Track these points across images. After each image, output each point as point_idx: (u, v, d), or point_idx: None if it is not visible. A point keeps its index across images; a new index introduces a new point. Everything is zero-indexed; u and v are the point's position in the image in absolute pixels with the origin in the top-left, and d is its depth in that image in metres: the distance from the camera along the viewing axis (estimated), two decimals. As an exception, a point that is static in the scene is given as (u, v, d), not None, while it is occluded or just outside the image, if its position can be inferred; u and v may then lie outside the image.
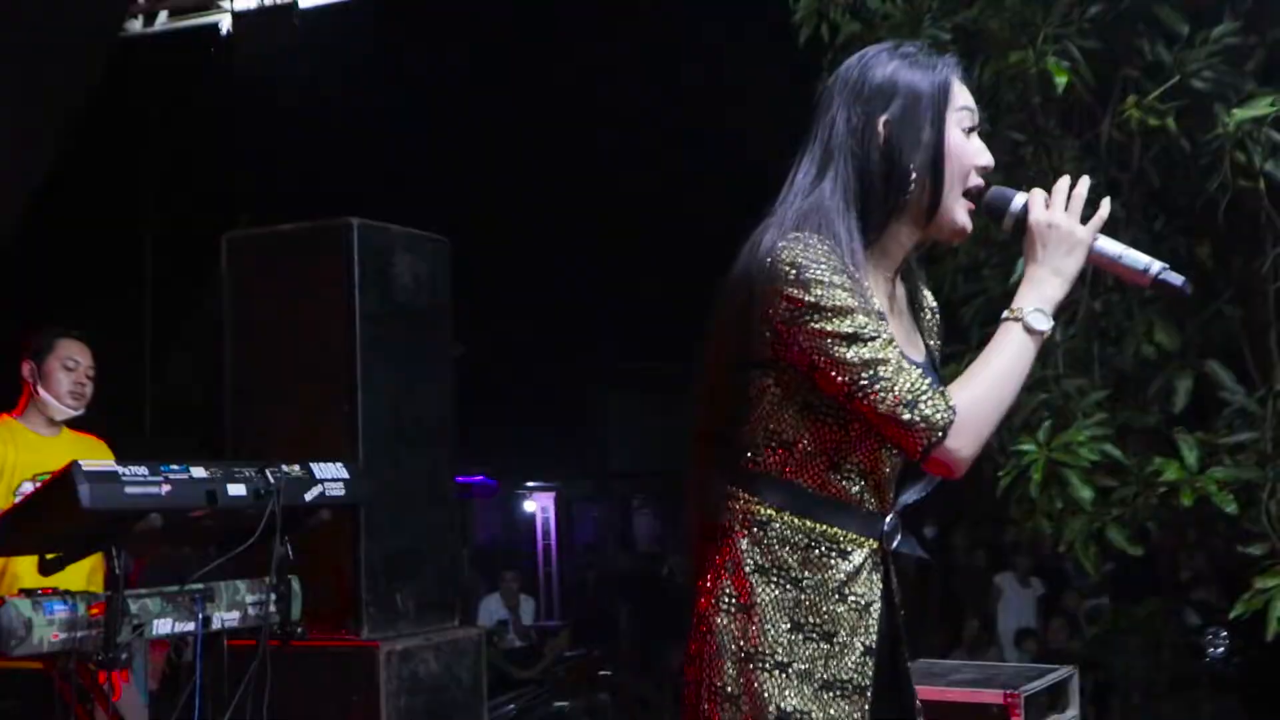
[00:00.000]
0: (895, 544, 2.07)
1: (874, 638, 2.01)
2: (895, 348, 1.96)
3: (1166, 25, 4.50)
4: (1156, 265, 2.04)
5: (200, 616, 3.41)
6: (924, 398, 1.92)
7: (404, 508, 4.28)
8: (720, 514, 2.03)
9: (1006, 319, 2.01)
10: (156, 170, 8.67)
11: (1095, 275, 4.92)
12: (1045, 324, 2.00)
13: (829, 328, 1.94)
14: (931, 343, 2.22)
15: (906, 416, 1.92)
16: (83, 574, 3.99)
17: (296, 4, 6.01)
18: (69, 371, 4.30)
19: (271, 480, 3.45)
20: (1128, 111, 4.44)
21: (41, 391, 4.27)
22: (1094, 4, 4.57)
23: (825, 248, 1.98)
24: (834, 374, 1.94)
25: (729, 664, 1.98)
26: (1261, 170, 4.16)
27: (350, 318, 4.18)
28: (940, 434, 1.92)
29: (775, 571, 1.99)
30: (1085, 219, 2.05)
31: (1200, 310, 5.08)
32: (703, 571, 2.05)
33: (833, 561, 2.00)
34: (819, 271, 1.95)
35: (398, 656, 4.07)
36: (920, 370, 1.96)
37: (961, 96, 2.10)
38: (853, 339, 1.94)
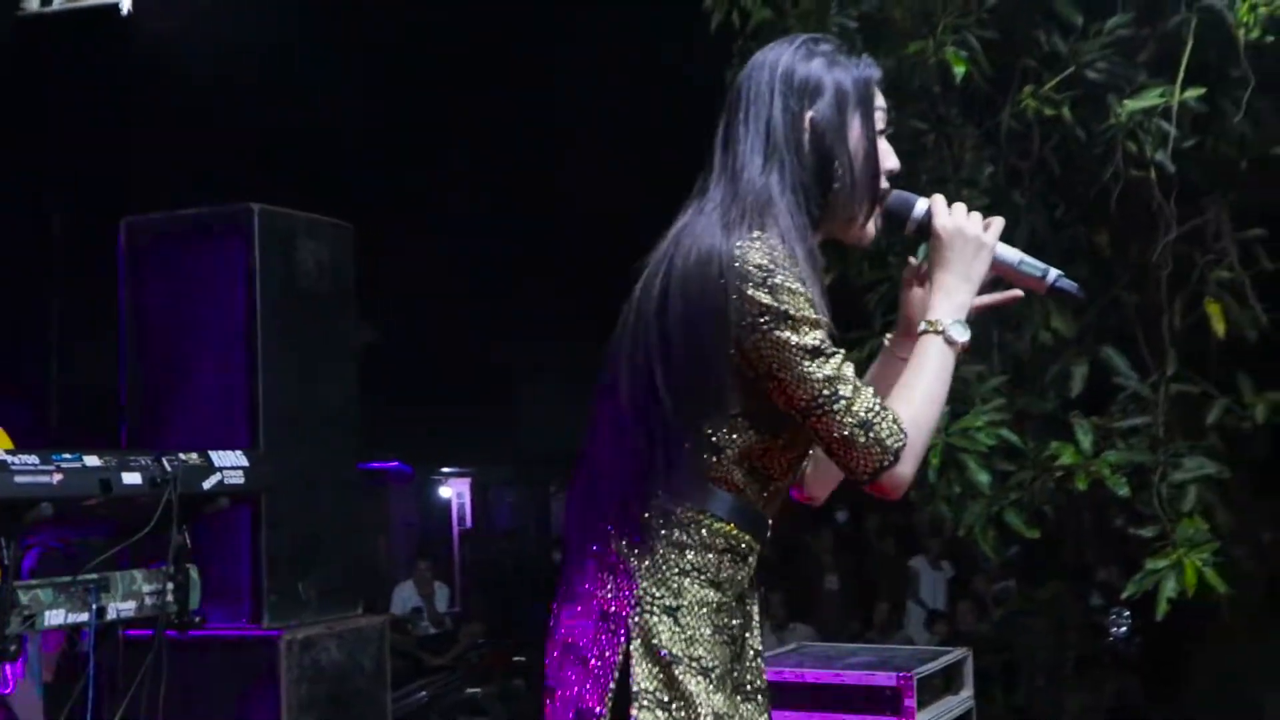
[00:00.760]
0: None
1: (759, 640, 2.04)
2: (850, 363, 1.93)
3: (1062, 16, 4.58)
4: (1053, 273, 2.07)
5: (94, 607, 3.37)
6: (878, 420, 1.90)
7: (306, 495, 4.24)
8: (641, 514, 1.97)
9: (926, 332, 2.00)
10: (58, 153, 8.51)
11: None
12: (964, 335, 2.00)
13: (794, 340, 1.89)
14: None
15: (863, 440, 1.90)
16: None
17: (200, -15, 5.94)
18: None
19: (168, 468, 3.40)
20: (1025, 101, 4.51)
21: None
22: (992, -6, 4.64)
23: (786, 251, 1.93)
24: (794, 388, 1.90)
25: (654, 667, 1.92)
26: (1152, 160, 4.25)
27: (251, 304, 4.13)
28: (893, 458, 1.90)
29: (699, 574, 1.96)
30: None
31: (1097, 297, 5.18)
32: (605, 570, 1.98)
33: (738, 566, 2.00)
34: (786, 278, 1.90)
35: (299, 645, 4.04)
36: (871, 389, 1.94)
37: (880, 97, 2.09)
38: (816, 353, 1.90)
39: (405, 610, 10.90)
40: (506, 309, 13.11)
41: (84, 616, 3.36)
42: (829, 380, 1.89)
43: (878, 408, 1.91)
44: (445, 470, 16.90)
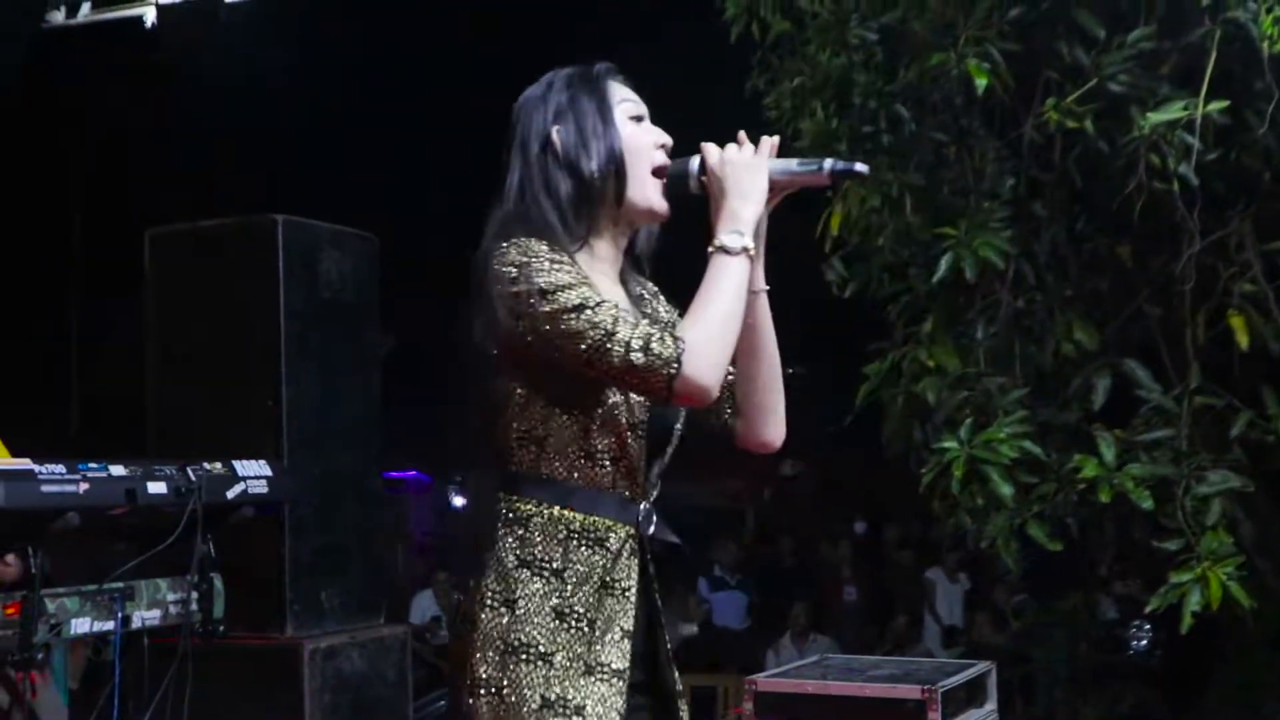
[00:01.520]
0: (651, 530, 2.17)
1: (631, 621, 2.10)
2: (622, 310, 2.06)
3: (1085, 29, 4.56)
4: (828, 162, 2.14)
5: (120, 615, 3.38)
6: (653, 339, 2.02)
7: (329, 505, 4.26)
8: (487, 512, 2.12)
9: (711, 253, 2.10)
10: (81, 166, 8.56)
11: (1017, 275, 5.00)
12: (742, 241, 2.09)
13: (556, 305, 2.03)
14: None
15: (641, 360, 2.01)
16: None
17: (222, -3, 5.97)
18: None
19: (193, 478, 3.43)
20: (1047, 113, 4.50)
21: None
22: (1014, 7, 4.63)
23: (543, 245, 2.09)
24: (570, 345, 2.04)
25: (493, 656, 2.05)
26: (1175, 172, 4.23)
27: (275, 315, 4.15)
28: (676, 364, 2.01)
29: (537, 565, 2.08)
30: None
31: (1120, 310, 5.17)
32: (473, 571, 2.13)
33: (593, 550, 2.10)
34: (539, 263, 2.06)
35: (322, 654, 4.06)
36: (648, 321, 2.10)
37: (620, 92, 2.26)
38: (580, 308, 2.03)
39: (424, 619, 10.89)
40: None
41: (110, 625, 3.37)
42: (595, 325, 2.02)
43: (650, 330, 2.04)
44: (462, 478, 16.88)
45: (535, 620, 2.05)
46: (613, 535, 2.11)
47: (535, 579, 2.07)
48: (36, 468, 3.11)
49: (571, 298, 2.03)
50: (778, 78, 5.77)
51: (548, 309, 2.04)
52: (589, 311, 2.03)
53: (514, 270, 2.06)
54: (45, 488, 3.09)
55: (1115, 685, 7.71)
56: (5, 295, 8.26)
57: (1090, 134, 4.48)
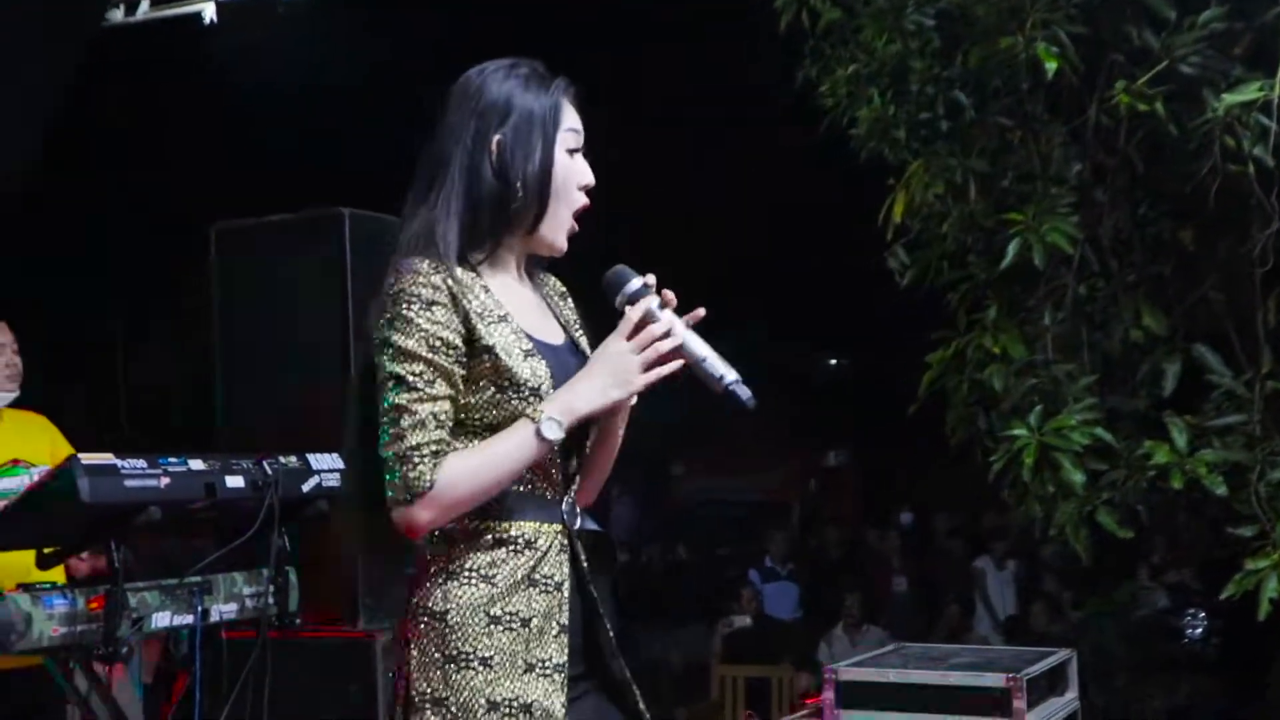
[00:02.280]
0: (577, 524, 2.18)
1: (567, 616, 2.12)
2: (437, 405, 2.06)
3: (1153, 10, 4.50)
4: (731, 376, 2.09)
5: (199, 609, 3.40)
6: (414, 460, 2.03)
7: (398, 498, 4.25)
8: (419, 532, 2.11)
9: (529, 414, 2.09)
10: (136, 161, 8.59)
11: (1082, 261, 4.95)
12: (556, 434, 2.08)
13: (389, 367, 2.06)
14: (574, 332, 2.32)
15: (392, 469, 2.04)
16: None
17: (282, -9, 5.97)
18: None
19: (269, 472, 3.44)
20: (1116, 97, 4.44)
21: None
22: (1080, -10, 4.58)
23: (429, 269, 2.07)
24: (380, 400, 2.07)
25: (433, 670, 2.07)
26: (1250, 154, 4.17)
27: (344, 307, 4.15)
28: (407, 498, 2.03)
29: (465, 574, 2.09)
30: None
31: (1184, 295, 5.10)
32: (411, 589, 2.16)
33: (519, 552, 2.11)
34: (409, 309, 2.06)
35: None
36: (438, 437, 2.05)
37: (570, 118, 2.21)
38: (399, 381, 2.06)
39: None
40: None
41: (189, 619, 3.39)
42: (396, 408, 2.05)
43: (421, 453, 2.04)
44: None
45: (470, 628, 2.07)
46: (541, 537, 2.13)
47: (465, 588, 2.09)
48: (119, 462, 3.13)
49: (399, 368, 2.05)
50: (830, 66, 5.72)
51: (385, 363, 2.07)
52: (402, 391, 2.05)
53: (393, 305, 2.07)
54: (128, 482, 3.11)
55: (1170, 675, 7.66)
56: (57, 291, 8.32)
57: (1160, 117, 4.42)
